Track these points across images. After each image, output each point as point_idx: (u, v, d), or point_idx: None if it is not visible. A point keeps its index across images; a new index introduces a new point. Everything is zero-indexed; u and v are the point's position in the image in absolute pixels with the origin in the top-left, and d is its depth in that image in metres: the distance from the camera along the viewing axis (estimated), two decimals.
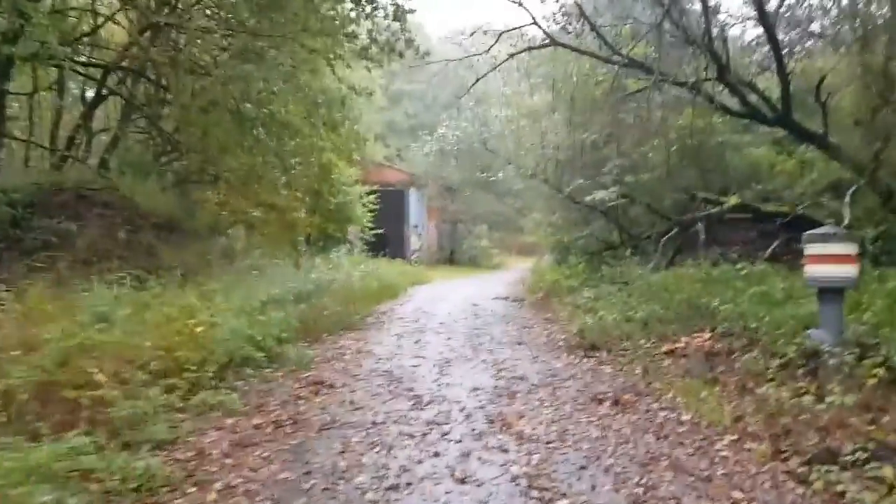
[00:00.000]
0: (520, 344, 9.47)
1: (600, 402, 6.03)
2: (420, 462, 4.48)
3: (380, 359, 8.30)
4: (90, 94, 15.00)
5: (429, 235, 36.20)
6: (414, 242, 34.03)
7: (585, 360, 8.22)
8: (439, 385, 6.76)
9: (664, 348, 8.24)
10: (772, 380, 6.15)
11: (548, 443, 4.87)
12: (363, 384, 6.80)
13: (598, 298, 10.35)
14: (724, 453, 4.62)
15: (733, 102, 12.33)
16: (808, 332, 6.03)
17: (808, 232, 6.13)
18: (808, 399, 5.24)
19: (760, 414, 5.38)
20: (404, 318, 12.58)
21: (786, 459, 4.38)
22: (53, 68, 12.93)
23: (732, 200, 14.61)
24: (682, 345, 8.36)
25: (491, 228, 38.43)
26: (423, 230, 35.33)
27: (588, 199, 16.40)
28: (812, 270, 5.90)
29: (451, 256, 37.28)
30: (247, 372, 6.68)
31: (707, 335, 8.52)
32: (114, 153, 16.28)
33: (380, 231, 26.85)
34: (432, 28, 73.32)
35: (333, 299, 11.74)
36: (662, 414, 5.63)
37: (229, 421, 5.49)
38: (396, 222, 32.91)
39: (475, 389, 6.54)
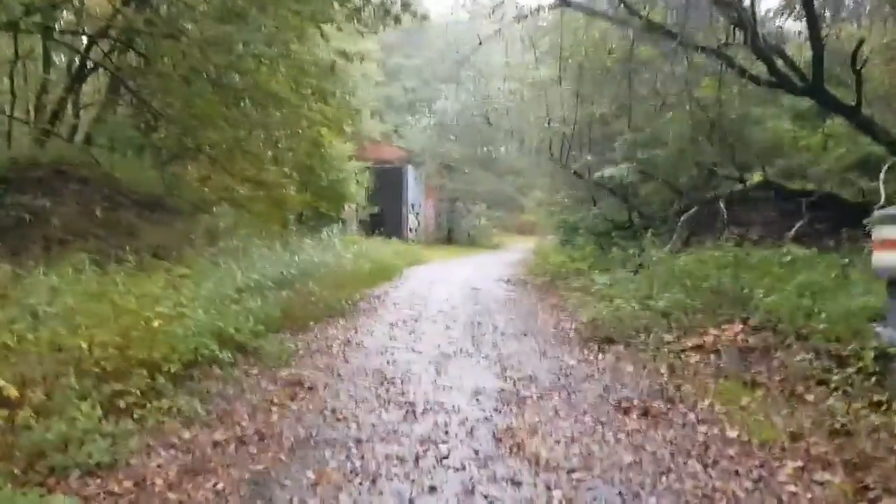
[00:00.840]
0: (526, 335, 8.54)
1: (626, 411, 5.11)
2: (411, 502, 3.55)
3: (370, 353, 7.37)
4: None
5: (426, 214, 35.20)
6: (411, 221, 33.04)
7: (601, 355, 7.30)
8: (436, 388, 5.84)
9: (690, 342, 7.33)
10: (827, 384, 5.25)
11: (570, 471, 3.95)
12: (348, 386, 5.88)
13: (613, 284, 9.40)
14: (791, 487, 3.71)
15: (759, 71, 11.33)
16: (875, 329, 5.09)
17: (880, 211, 5.16)
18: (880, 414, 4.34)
19: (822, 430, 4.47)
20: (399, 303, 11.65)
21: (875, 501, 3.46)
22: (39, 37, 12.06)
23: (756, 178, 13.66)
24: (710, 338, 7.44)
25: (490, 207, 37.43)
26: (420, 209, 34.32)
27: (597, 175, 15.45)
28: (883, 258, 4.94)
29: (450, 236, 36.31)
30: (215, 372, 5.73)
31: (738, 327, 7.61)
32: (99, 128, 15.32)
33: (376, 210, 25.87)
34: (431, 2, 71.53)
35: (322, 283, 10.79)
36: (702, 429, 4.71)
37: (186, 435, 4.56)
38: (393, 201, 31.88)
39: (478, 394, 5.62)
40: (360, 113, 25.72)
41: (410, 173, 32.96)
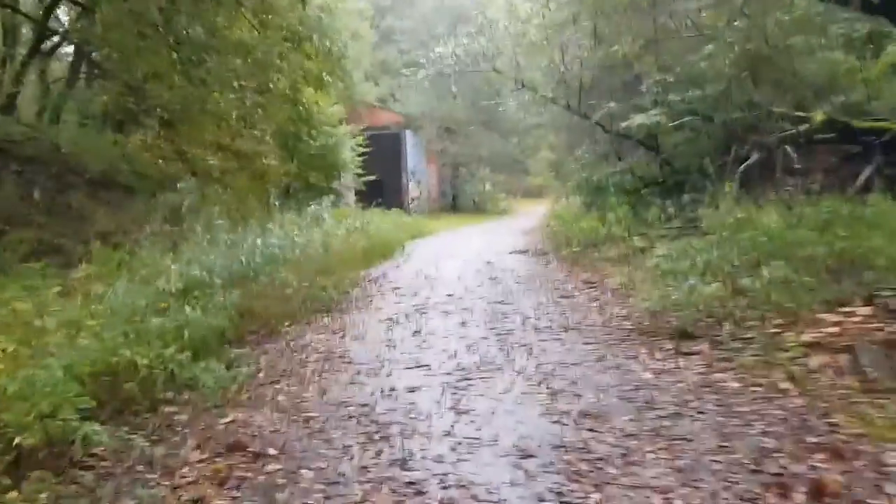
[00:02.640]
0: (567, 330, 6.43)
1: (784, 494, 3.00)
2: None
3: (357, 373, 5.27)
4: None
5: (429, 181, 32.95)
6: (412, 190, 30.80)
7: (681, 360, 5.19)
8: (455, 444, 3.72)
9: (803, 336, 5.22)
10: None
11: None
12: (318, 446, 3.78)
13: (674, 255, 7.23)
14: None
15: None
16: None
17: None
18: None
19: None
20: (401, 287, 9.55)
21: None
22: None
23: (819, 116, 11.38)
24: (831, 329, 5.34)
25: (494, 171, 35.12)
26: (422, 176, 32.04)
27: (622, 126, 13.20)
28: None
29: (454, 203, 34.08)
30: (94, 438, 3.59)
31: (864, 311, 5.50)
32: (50, 101, 13.27)
33: (372, 178, 23.62)
34: None
35: (303, 269, 8.70)
36: None
37: None
38: (392, 168, 29.65)
39: (524, 456, 3.51)
40: (344, 63, 23.41)
41: (409, 139, 30.64)
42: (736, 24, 12.53)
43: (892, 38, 9.76)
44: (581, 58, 13.83)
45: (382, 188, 28.41)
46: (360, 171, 21.06)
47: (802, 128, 10.90)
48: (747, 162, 10.19)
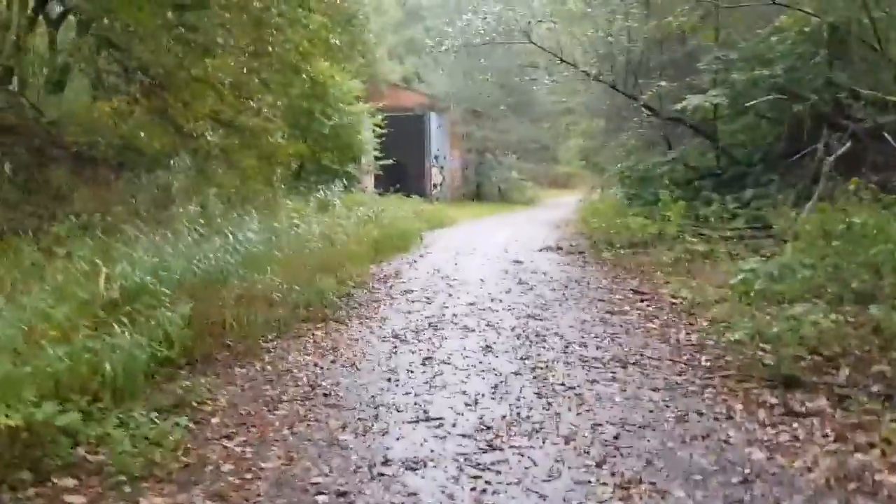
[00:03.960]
0: (626, 365, 4.90)
1: None
2: None
3: (342, 428, 3.80)
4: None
5: (452, 167, 31.33)
6: (435, 176, 29.24)
7: (796, 424, 3.67)
8: None
9: None
10: None
11: None
12: None
13: (760, 269, 5.62)
14: None
15: None
16: None
17: None
18: None
19: None
20: (413, 290, 8.07)
21: None
22: None
23: None
24: None
25: (521, 158, 33.36)
26: (445, 161, 30.44)
27: (677, 107, 11.55)
28: None
29: (478, 190, 32.38)
30: None
31: None
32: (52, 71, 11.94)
33: (391, 162, 22.11)
34: None
35: (299, 265, 7.26)
36: None
37: None
38: (415, 152, 28.15)
39: None
40: (365, 36, 21.86)
41: (434, 121, 29.06)
42: None
43: None
44: (629, 29, 12.15)
45: (404, 173, 26.89)
46: (378, 153, 19.55)
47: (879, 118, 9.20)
48: (838, 152, 8.46)
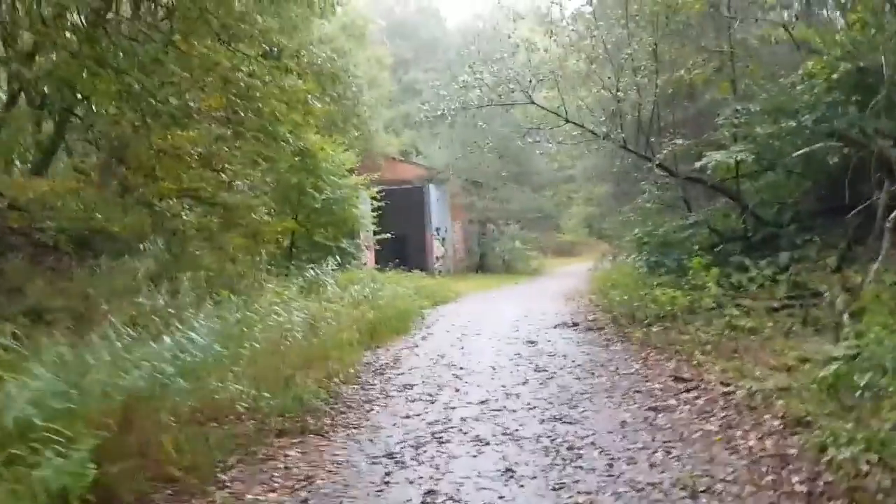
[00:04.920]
0: (694, 496, 3.65)
1: None
2: None
3: None
4: None
5: (454, 239, 30.39)
6: (437, 248, 28.24)
7: None
8: None
9: None
10: None
11: None
12: None
13: (858, 357, 4.41)
14: None
15: None
16: None
17: None
18: None
19: None
20: (412, 386, 6.83)
21: None
22: None
23: None
24: None
25: (523, 228, 32.43)
26: (446, 233, 29.52)
27: (697, 166, 10.57)
28: None
29: (482, 262, 31.32)
30: None
31: None
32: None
33: (393, 236, 21.11)
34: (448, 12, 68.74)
35: (278, 361, 6.08)
36: None
37: None
38: (415, 226, 27.29)
39: None
40: (359, 108, 21.25)
41: (433, 193, 28.29)
42: (838, 36, 10.08)
43: None
44: (638, 85, 11.30)
45: (404, 247, 25.92)
46: (376, 228, 18.56)
47: None
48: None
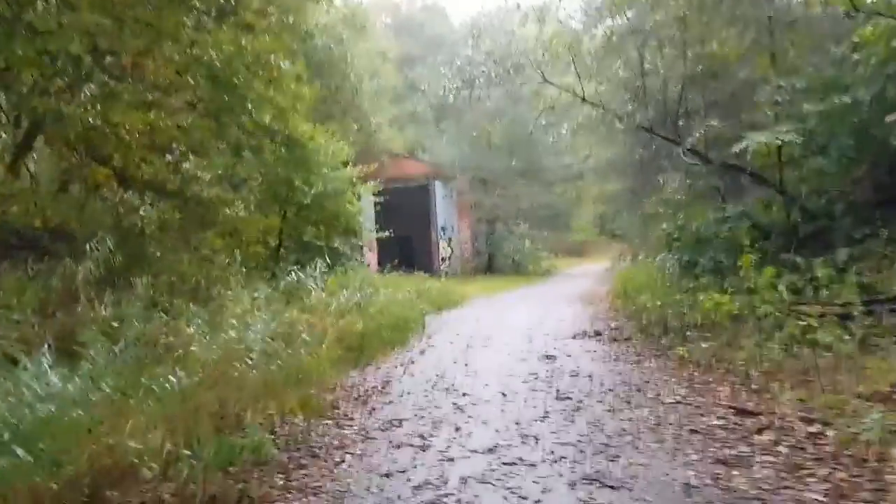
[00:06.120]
0: None
1: None
2: None
3: None
4: None
5: (461, 239, 28.94)
6: (443, 249, 26.80)
7: None
8: None
9: None
10: None
11: None
12: None
13: None
14: None
15: None
16: None
17: None
18: None
19: None
20: (400, 423, 5.38)
21: None
22: None
23: None
24: None
25: (533, 227, 30.92)
26: (453, 233, 28.08)
27: (736, 150, 9.12)
28: None
29: (490, 263, 29.83)
30: None
31: None
32: None
33: (397, 236, 19.70)
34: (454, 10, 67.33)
35: (218, 397, 4.69)
36: None
37: None
38: (420, 225, 25.91)
39: None
40: (359, 99, 19.80)
41: (439, 191, 26.86)
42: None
43: None
44: (665, 60, 9.84)
45: (409, 247, 24.56)
46: (378, 227, 17.19)
47: None
48: None
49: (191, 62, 6.23)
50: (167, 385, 4.19)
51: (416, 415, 5.53)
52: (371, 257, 20.67)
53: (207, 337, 5.56)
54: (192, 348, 5.17)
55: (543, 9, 10.05)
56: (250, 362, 5.43)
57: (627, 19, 9.78)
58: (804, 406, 4.86)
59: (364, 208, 16.06)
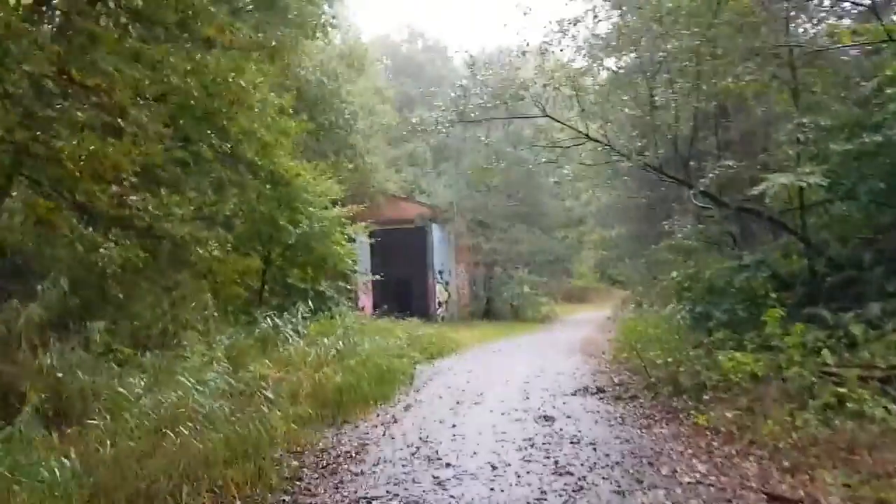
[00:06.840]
0: None
1: None
2: None
3: None
4: None
5: (458, 282, 28.12)
6: (439, 293, 25.97)
7: None
8: None
9: None
10: None
11: None
12: None
13: None
14: None
15: None
16: None
17: None
18: None
19: None
20: (369, 497, 4.55)
21: None
22: None
23: None
24: None
25: (532, 272, 30.12)
26: (450, 276, 27.28)
27: (755, 192, 8.39)
28: None
29: (488, 308, 28.92)
30: None
31: None
32: None
33: (389, 279, 18.92)
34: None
35: (146, 475, 3.85)
36: None
37: None
38: (417, 268, 25.14)
39: None
40: (347, 128, 19.21)
41: (436, 233, 26.16)
42: None
43: None
44: (676, 96, 9.20)
45: (405, 291, 23.77)
46: (364, 268, 16.42)
47: None
48: None
49: (152, 82, 5.53)
50: (61, 465, 3.36)
51: (388, 492, 4.67)
52: (366, 300, 19.88)
53: (146, 397, 4.73)
54: (124, 413, 4.33)
55: (544, 44, 9.41)
56: (195, 428, 4.61)
57: (634, 51, 9.13)
58: (855, 496, 4.02)
59: (357, 250, 15.33)
